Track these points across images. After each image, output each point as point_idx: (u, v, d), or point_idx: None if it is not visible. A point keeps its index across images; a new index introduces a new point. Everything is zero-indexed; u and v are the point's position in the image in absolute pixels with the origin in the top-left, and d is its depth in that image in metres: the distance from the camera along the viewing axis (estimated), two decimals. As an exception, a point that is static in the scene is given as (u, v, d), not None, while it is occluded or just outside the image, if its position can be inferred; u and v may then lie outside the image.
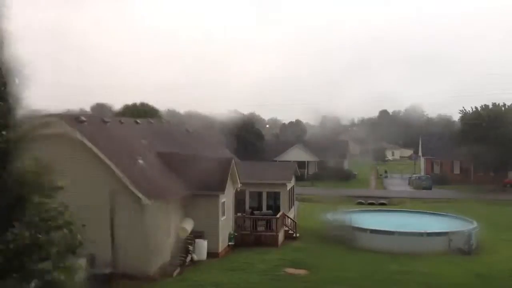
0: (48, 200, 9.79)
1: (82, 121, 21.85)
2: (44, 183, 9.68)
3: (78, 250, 10.11)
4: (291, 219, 31.28)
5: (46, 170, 9.76)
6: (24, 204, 9.31)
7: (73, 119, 21.87)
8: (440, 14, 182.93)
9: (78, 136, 20.45)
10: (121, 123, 27.29)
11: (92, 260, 17.15)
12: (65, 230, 9.76)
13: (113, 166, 20.35)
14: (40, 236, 9.17)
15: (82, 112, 40.19)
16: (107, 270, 17.82)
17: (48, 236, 9.37)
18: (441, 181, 66.01)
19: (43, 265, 9.28)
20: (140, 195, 20.02)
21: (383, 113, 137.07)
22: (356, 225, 29.40)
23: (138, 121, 29.95)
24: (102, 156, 20.45)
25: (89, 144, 20.50)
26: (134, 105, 53.58)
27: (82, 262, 10.61)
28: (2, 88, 9.20)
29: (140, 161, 23.31)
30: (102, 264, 17.40)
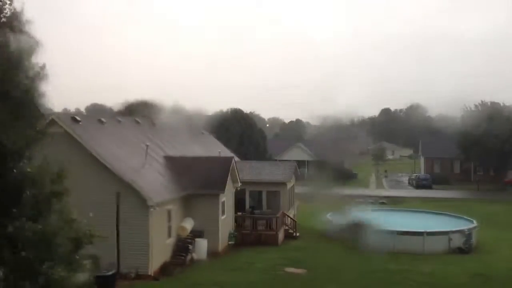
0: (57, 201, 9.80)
1: (79, 121, 21.80)
2: (57, 187, 9.70)
3: (86, 244, 10.14)
4: (291, 218, 31.30)
5: (60, 175, 9.79)
6: (29, 201, 9.28)
7: (70, 119, 21.82)
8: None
9: (78, 136, 20.47)
10: (120, 122, 27.19)
11: (95, 261, 17.15)
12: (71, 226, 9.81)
13: (114, 167, 20.37)
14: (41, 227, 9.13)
15: (78, 112, 40.12)
16: (110, 272, 17.78)
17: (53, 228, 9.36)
18: (441, 180, 65.97)
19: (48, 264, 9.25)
20: (143, 195, 20.03)
21: (385, 111, 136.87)
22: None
23: (139, 120, 29.86)
24: (102, 156, 20.47)
25: (88, 145, 20.51)
26: (135, 103, 53.20)
27: (87, 262, 10.56)
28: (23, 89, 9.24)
29: (142, 162, 23.31)
30: (105, 265, 17.37)
